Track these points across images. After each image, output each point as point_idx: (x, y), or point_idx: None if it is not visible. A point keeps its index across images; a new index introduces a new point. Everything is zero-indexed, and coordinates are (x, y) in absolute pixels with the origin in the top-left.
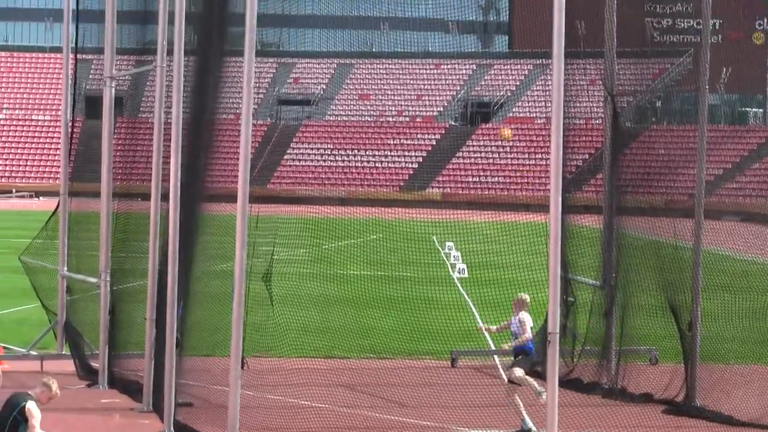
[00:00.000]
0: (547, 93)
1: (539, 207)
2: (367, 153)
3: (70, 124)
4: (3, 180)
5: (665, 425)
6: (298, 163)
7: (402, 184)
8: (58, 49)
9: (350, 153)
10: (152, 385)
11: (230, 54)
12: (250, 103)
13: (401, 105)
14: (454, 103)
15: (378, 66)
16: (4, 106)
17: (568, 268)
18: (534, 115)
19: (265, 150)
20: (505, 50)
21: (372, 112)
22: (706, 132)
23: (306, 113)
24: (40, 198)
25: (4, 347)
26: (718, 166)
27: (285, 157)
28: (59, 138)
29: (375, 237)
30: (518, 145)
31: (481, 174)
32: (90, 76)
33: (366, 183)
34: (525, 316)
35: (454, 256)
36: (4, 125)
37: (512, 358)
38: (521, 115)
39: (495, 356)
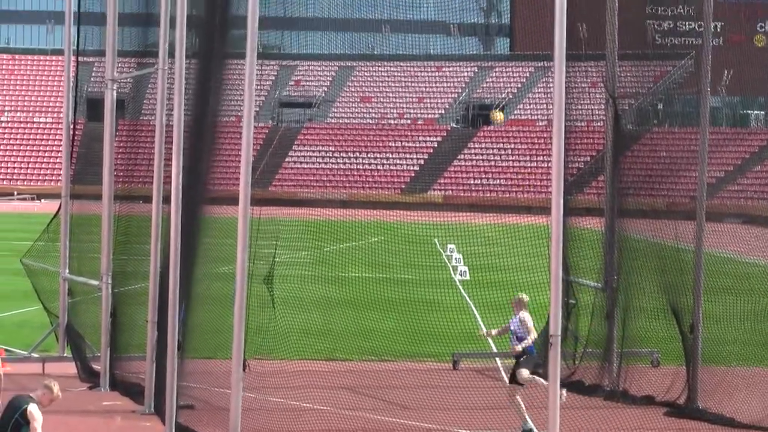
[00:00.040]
0: (549, 95)
1: (541, 209)
2: (369, 155)
3: (71, 127)
4: (5, 182)
5: (667, 427)
6: (299, 166)
7: (403, 186)
8: (59, 52)
9: (352, 155)
10: (154, 387)
11: (232, 56)
12: (251, 105)
13: (403, 107)
14: (456, 106)
15: (379, 68)
16: (6, 108)
17: (570, 271)
18: (535, 117)
19: (267, 152)
20: (506, 53)
21: (373, 115)
22: (707, 134)
23: (307, 116)
24: (42, 200)
25: (6, 350)
26: (720, 169)
27: (286, 159)
28: (61, 140)
29: (376, 239)
30: (520, 147)
31: (483, 176)
32: (91, 79)
33: (367, 185)
34: (525, 315)
35: (455, 259)
36: (5, 128)
37: (514, 360)
38: (523, 117)
39: (497, 359)
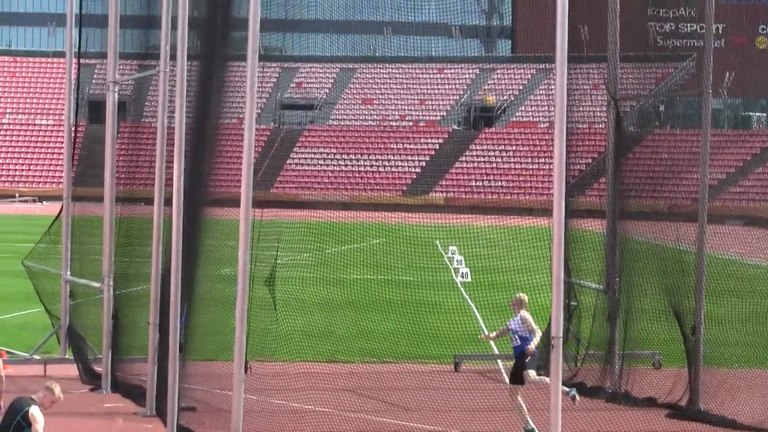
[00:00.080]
0: (551, 97)
1: (542, 211)
2: (370, 157)
3: (73, 129)
4: (6, 184)
5: (669, 429)
6: (301, 168)
7: (405, 188)
8: (61, 54)
9: (353, 157)
10: (155, 389)
11: (233, 58)
12: (253, 107)
13: (404, 109)
14: (457, 108)
15: (381, 70)
16: (8, 110)
17: (572, 273)
18: (537, 119)
19: (269, 154)
20: (508, 54)
21: (375, 117)
22: (709, 136)
23: (309, 118)
24: (44, 202)
25: (8, 352)
26: (722, 171)
27: (288, 161)
28: (62, 142)
29: (378, 241)
30: (521, 149)
31: (484, 178)
32: (93, 81)
33: (369, 187)
34: (526, 315)
35: (457, 260)
36: (7, 130)
37: (514, 360)
38: (524, 119)
39: (498, 360)
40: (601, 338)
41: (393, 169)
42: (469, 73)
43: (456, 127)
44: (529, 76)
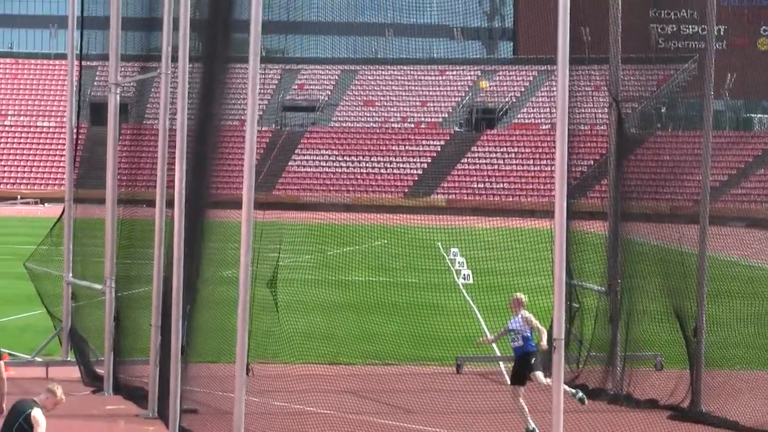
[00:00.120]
0: (552, 99)
1: (544, 213)
2: (372, 159)
3: (75, 131)
4: (8, 186)
5: (670, 431)
6: (302, 170)
7: (407, 190)
8: (62, 56)
9: (355, 159)
10: (157, 391)
11: (235, 60)
12: (254, 109)
13: (406, 111)
14: (459, 109)
15: (383, 72)
16: (9, 112)
17: (573, 274)
18: (539, 121)
19: (270, 156)
20: (509, 56)
21: (377, 119)
22: (711, 138)
23: (311, 119)
24: (45, 204)
25: (9, 354)
26: (723, 172)
27: (290, 163)
28: (64, 144)
29: (380, 243)
30: (523, 151)
31: (486, 180)
32: (95, 83)
33: (371, 189)
34: (527, 314)
35: (458, 262)
36: (9, 132)
37: (524, 363)
38: (526, 121)
39: (500, 362)
40: (603, 340)
41: (395, 171)
42: (470, 75)
43: (458, 129)
44: (531, 78)
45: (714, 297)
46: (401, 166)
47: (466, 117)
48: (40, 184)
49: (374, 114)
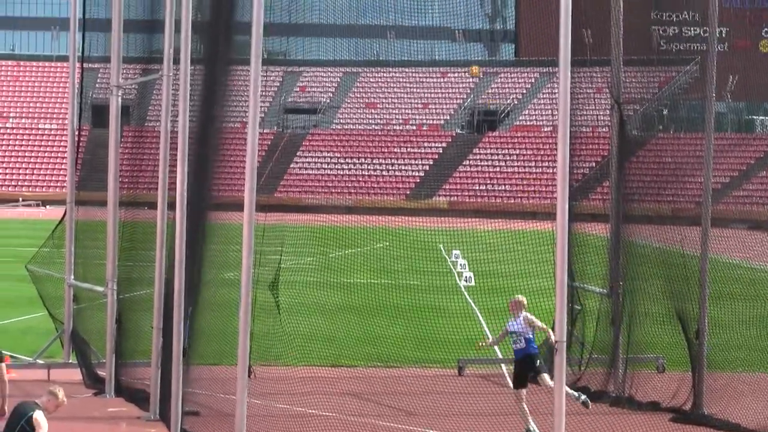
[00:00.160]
0: (554, 101)
1: (546, 215)
2: (374, 161)
3: (76, 133)
4: (10, 189)
5: None
6: (304, 172)
7: (409, 192)
8: (64, 58)
9: (357, 161)
10: (159, 393)
11: (237, 62)
12: (256, 111)
13: (408, 113)
14: (461, 112)
15: (384, 74)
16: (11, 114)
17: (575, 276)
18: (541, 123)
19: (272, 158)
20: (511, 58)
21: (378, 121)
22: (712, 140)
23: (313, 122)
24: (47, 207)
25: (11, 356)
26: (725, 174)
27: (292, 165)
28: (66, 147)
29: (382, 245)
30: (525, 153)
31: (488, 182)
32: (96, 85)
33: (373, 191)
34: (530, 315)
35: (460, 265)
36: (10, 134)
37: (529, 365)
38: (528, 123)
39: (502, 365)
40: (605, 342)
41: (396, 173)
42: (472, 77)
43: (459, 131)
44: (533, 80)
45: (716, 299)
46: (403, 168)
47: (468, 119)
48: (42, 187)
49: (376, 116)
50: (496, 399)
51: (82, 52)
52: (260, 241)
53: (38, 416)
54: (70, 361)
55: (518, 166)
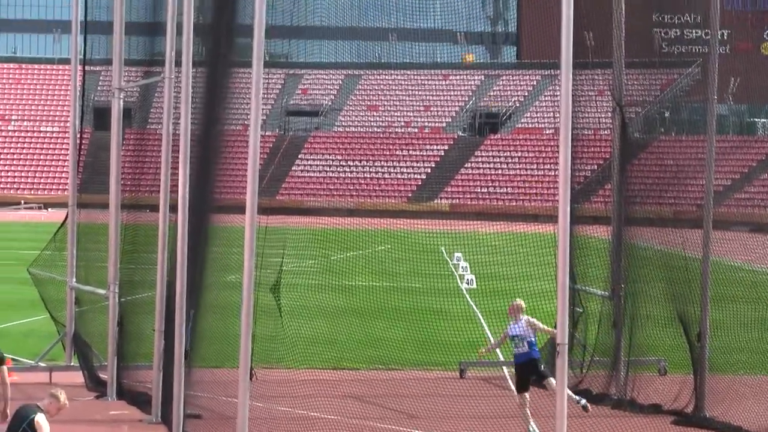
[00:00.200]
0: (556, 103)
1: (548, 217)
2: (376, 164)
3: (78, 136)
4: (12, 191)
5: None
6: (306, 174)
7: (410, 195)
8: (66, 61)
9: (359, 164)
10: (161, 396)
11: (239, 65)
12: (258, 114)
13: (409, 116)
14: (462, 114)
15: (386, 77)
16: (13, 117)
17: (577, 279)
18: (542, 125)
19: (274, 161)
20: (513, 61)
21: (380, 123)
22: (714, 142)
23: (314, 124)
24: (49, 209)
25: (13, 359)
26: (727, 177)
27: (293, 168)
28: (68, 149)
29: (383, 248)
30: (527, 155)
31: (490, 185)
32: (98, 88)
33: (374, 194)
34: (531, 319)
35: (462, 267)
36: (12, 136)
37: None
38: (530, 125)
39: (503, 367)
40: (607, 345)
41: (398, 176)
42: (474, 80)
43: (461, 134)
44: (535, 83)
45: (717, 302)
46: (405, 170)
47: (470, 121)
48: (44, 189)
49: (378, 118)
50: (497, 402)
51: (84, 55)
52: (262, 244)
53: (40, 419)
54: (72, 364)
55: (520, 169)
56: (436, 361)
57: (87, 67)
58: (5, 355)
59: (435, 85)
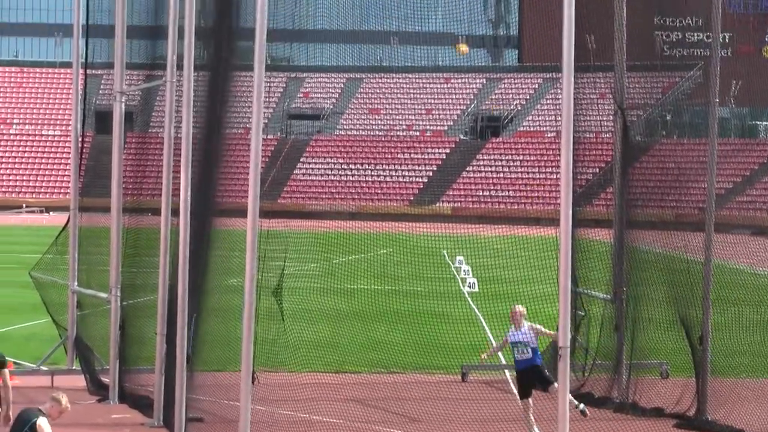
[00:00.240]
0: (557, 106)
1: (549, 221)
2: (377, 167)
3: (80, 139)
4: (13, 195)
5: None
6: (308, 178)
7: (412, 198)
8: (68, 65)
9: (360, 167)
10: (163, 400)
11: (240, 68)
12: (260, 117)
13: (411, 119)
14: (464, 117)
15: (388, 80)
16: (15, 121)
17: (579, 282)
18: (544, 128)
19: (275, 164)
20: (515, 64)
21: (382, 127)
22: (716, 145)
23: (316, 127)
24: (51, 213)
25: (15, 362)
26: (729, 180)
27: (295, 171)
28: (69, 153)
29: (385, 251)
30: (528, 159)
31: (491, 188)
32: (100, 92)
33: (376, 197)
34: (534, 324)
35: (464, 270)
36: (14, 140)
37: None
38: (531, 128)
39: (506, 371)
40: (609, 348)
41: (400, 179)
42: (476, 83)
43: (463, 137)
44: (536, 86)
45: (719, 305)
46: (406, 174)
47: (471, 125)
48: (45, 193)
49: (379, 122)
50: (499, 405)
51: (86, 59)
52: (264, 248)
53: (42, 423)
54: (74, 367)
55: (522, 172)
56: (438, 365)
57: (89, 71)
58: (7, 358)
59: (437, 88)
